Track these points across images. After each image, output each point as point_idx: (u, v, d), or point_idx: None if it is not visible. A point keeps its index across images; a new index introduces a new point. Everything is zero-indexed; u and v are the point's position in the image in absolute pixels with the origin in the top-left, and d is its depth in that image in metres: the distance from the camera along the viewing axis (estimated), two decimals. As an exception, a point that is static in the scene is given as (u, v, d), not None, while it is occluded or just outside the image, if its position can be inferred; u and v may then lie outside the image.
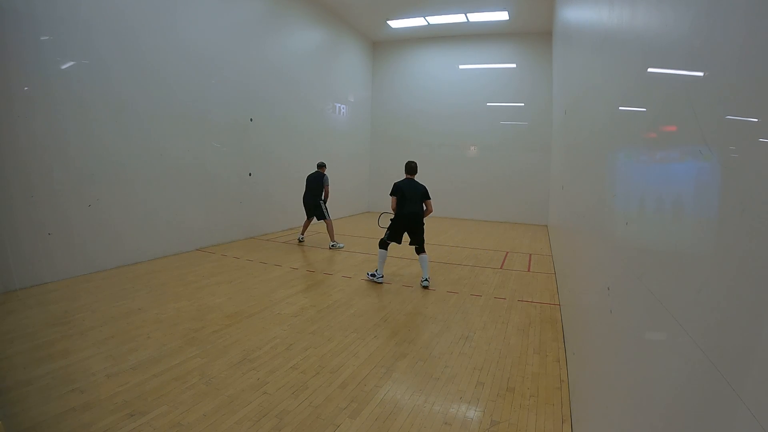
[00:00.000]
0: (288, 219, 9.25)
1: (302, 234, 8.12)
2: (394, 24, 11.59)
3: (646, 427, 1.15)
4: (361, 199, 13.35)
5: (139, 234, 6.03)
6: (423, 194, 5.36)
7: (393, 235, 5.39)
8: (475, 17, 10.79)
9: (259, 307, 4.41)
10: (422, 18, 11.06)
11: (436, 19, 11.10)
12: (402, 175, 5.51)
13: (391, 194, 5.38)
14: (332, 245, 7.60)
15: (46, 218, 4.89)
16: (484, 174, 12.38)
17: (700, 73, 0.92)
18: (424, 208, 5.40)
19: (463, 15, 10.71)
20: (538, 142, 11.47)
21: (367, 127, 13.57)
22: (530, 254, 7.71)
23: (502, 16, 10.56)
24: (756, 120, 0.67)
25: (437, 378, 3.03)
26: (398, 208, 5.33)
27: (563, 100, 6.17)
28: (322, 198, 7.60)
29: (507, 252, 7.85)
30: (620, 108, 1.79)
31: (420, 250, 5.43)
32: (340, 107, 11.79)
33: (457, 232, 10.12)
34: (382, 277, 5.50)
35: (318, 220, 7.73)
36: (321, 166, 7.81)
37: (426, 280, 5.32)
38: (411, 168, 5.52)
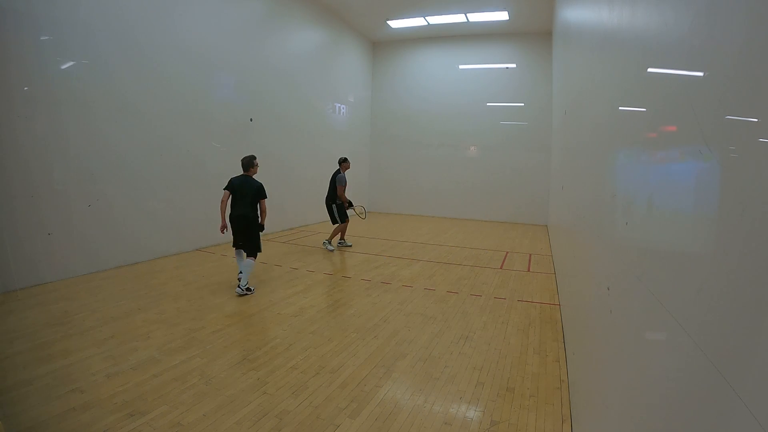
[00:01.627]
0: (288, 219, 9.25)
1: (342, 238, 7.74)
2: (394, 24, 11.59)
3: (646, 428, 1.15)
4: (361, 199, 13.31)
5: (140, 234, 6.03)
6: (257, 193, 4.81)
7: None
8: (475, 17, 10.80)
9: (259, 307, 4.41)
10: (422, 18, 11.06)
11: (436, 19, 11.10)
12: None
13: (225, 188, 4.83)
14: (324, 243, 7.46)
15: (47, 218, 4.89)
16: (484, 174, 12.38)
17: (700, 73, 0.92)
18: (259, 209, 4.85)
19: (463, 15, 10.72)
20: (538, 142, 11.48)
21: (367, 127, 13.56)
22: (530, 254, 7.71)
23: (502, 16, 10.56)
24: (756, 120, 0.66)
25: (437, 378, 3.03)
26: (231, 208, 4.83)
27: (563, 100, 6.17)
28: (336, 201, 7.18)
29: (507, 252, 7.85)
30: (620, 108, 1.79)
31: (249, 254, 4.85)
32: (340, 107, 11.79)
33: (457, 232, 10.12)
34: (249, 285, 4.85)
35: (333, 224, 7.43)
36: (340, 162, 7.35)
37: (241, 287, 4.66)
38: (244, 164, 4.92)
